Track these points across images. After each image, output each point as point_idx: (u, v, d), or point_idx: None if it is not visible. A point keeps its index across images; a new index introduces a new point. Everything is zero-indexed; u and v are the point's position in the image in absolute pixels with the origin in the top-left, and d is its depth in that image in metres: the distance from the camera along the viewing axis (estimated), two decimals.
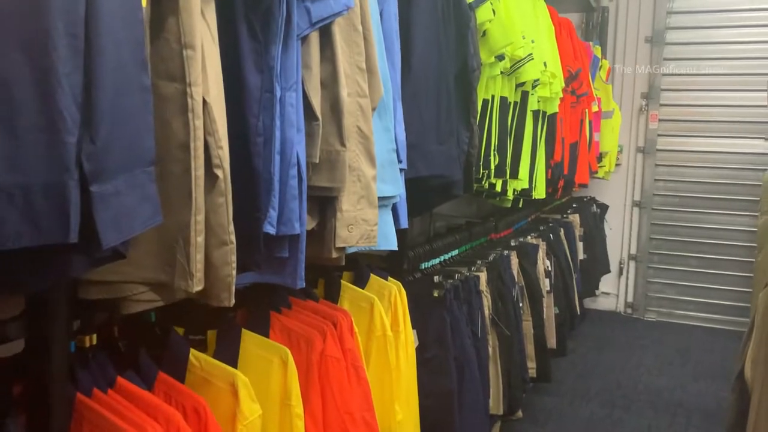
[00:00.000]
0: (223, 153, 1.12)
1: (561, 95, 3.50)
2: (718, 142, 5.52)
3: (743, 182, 5.46)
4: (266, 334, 1.65)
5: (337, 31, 1.43)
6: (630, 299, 5.82)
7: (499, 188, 2.91)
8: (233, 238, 1.16)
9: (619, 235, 5.80)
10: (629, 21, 5.74)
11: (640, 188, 5.77)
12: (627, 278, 5.83)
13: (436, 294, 2.34)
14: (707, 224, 5.58)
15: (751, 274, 5.44)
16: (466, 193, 2.37)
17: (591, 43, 4.89)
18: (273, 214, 1.29)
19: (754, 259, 5.34)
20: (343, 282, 2.03)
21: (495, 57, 2.50)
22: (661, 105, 5.69)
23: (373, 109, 1.53)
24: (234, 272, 1.18)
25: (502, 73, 2.66)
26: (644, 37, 5.69)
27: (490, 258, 2.95)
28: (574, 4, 5.32)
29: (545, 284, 3.48)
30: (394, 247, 1.69)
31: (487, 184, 2.79)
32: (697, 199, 5.60)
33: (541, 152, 3.48)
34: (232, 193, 1.20)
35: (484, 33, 2.37)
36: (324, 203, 1.47)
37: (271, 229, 1.30)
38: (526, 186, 3.21)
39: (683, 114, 5.65)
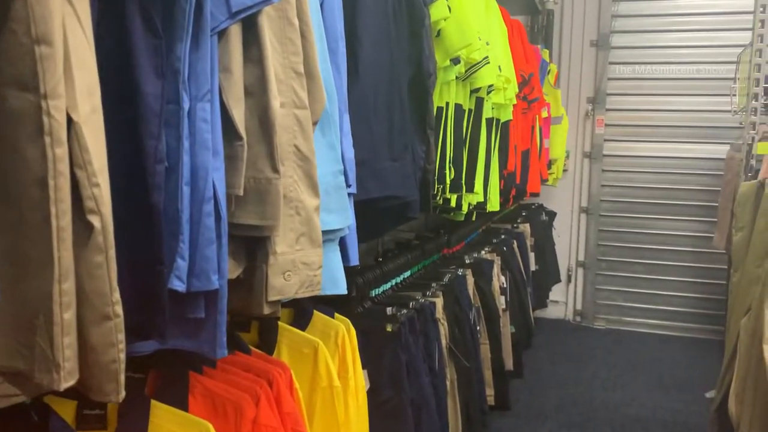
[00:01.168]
0: (100, 192, 0.77)
1: (515, 101, 3.22)
2: (663, 147, 5.36)
3: (689, 187, 5.31)
4: (184, 403, 1.29)
5: (266, 24, 1.08)
6: (579, 307, 5.61)
7: (454, 203, 2.60)
8: (119, 308, 0.81)
9: (567, 242, 5.58)
10: (574, 24, 5.53)
11: (587, 194, 5.57)
12: (575, 286, 5.62)
13: (389, 328, 2.01)
14: (654, 230, 5.40)
15: (698, 280, 5.31)
16: (423, 212, 2.05)
17: (539, 46, 4.65)
18: (182, 264, 0.95)
19: (697, 264, 5.23)
20: (280, 324, 1.68)
21: (450, 60, 2.19)
22: (608, 110, 5.50)
23: (315, 123, 1.20)
24: (122, 355, 0.83)
25: (456, 78, 2.35)
26: (590, 41, 5.49)
27: (446, 280, 2.64)
28: (519, 6, 5.07)
29: (501, 302, 3.19)
30: (343, 290, 1.36)
31: (441, 200, 2.48)
32: (644, 204, 5.42)
33: (494, 162, 3.19)
34: (125, 238, 0.86)
35: (439, 33, 2.06)
36: (253, 244, 1.12)
37: (179, 285, 0.95)
38: (482, 199, 2.91)
39: (629, 119, 5.47)
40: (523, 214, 4.71)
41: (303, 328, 1.77)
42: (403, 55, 1.77)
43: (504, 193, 3.69)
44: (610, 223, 5.53)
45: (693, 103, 5.24)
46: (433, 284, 2.57)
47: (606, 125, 5.50)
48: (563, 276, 5.49)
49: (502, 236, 3.87)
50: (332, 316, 1.84)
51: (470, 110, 2.69)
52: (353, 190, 1.42)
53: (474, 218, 3.28)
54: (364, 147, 1.64)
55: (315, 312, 1.80)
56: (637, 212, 5.44)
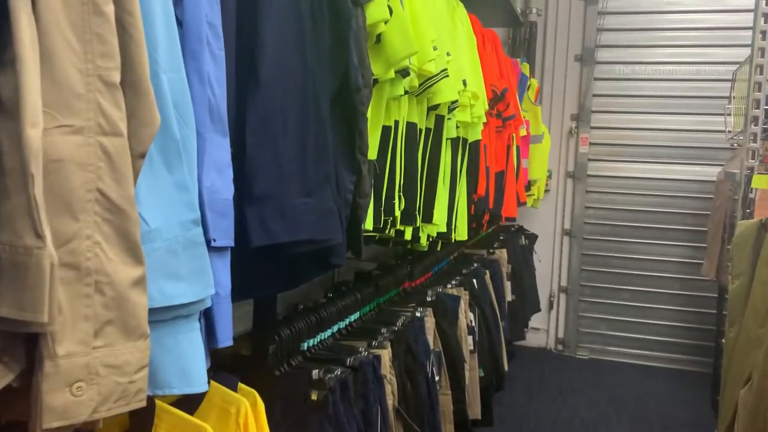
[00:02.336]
0: None
1: (485, 119, 2.84)
2: (650, 167, 5.00)
3: (676, 210, 4.94)
4: None
5: (50, 8, 0.71)
6: (561, 335, 5.22)
7: (409, 236, 2.22)
8: None
9: (549, 266, 5.20)
10: (558, 38, 5.18)
11: (570, 216, 5.20)
12: (558, 312, 5.23)
13: (314, 397, 1.62)
14: (640, 255, 5.03)
15: (686, 308, 4.94)
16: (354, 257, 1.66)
17: (519, 59, 4.28)
18: None
19: (685, 291, 4.86)
20: (158, 404, 1.29)
21: (396, 71, 1.81)
22: (592, 128, 5.14)
23: (142, 155, 0.81)
24: None
25: (407, 92, 1.97)
26: (574, 55, 5.14)
27: (399, 324, 2.26)
28: (500, 17, 4.70)
29: (468, 343, 2.80)
30: (201, 386, 0.96)
31: (392, 232, 2.10)
32: (630, 228, 5.05)
33: (461, 187, 2.81)
34: None
35: (379, 38, 1.68)
36: (30, 341, 0.74)
37: None
38: (444, 229, 2.53)
39: (615, 137, 5.11)
40: (501, 237, 4.32)
41: (195, 405, 1.38)
42: (323, 64, 1.38)
43: (476, 218, 3.32)
44: (594, 246, 5.16)
45: (681, 123, 4.88)
46: (383, 330, 2.18)
47: (590, 144, 5.14)
48: (544, 302, 5.11)
49: (474, 265, 3.49)
50: (235, 387, 1.45)
51: (428, 130, 2.31)
52: (225, 242, 1.04)
53: (440, 247, 2.90)
54: (267, 178, 1.26)
55: (212, 383, 1.41)
56: (623, 236, 5.07)
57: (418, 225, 2.18)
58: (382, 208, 1.96)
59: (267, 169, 1.26)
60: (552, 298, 5.20)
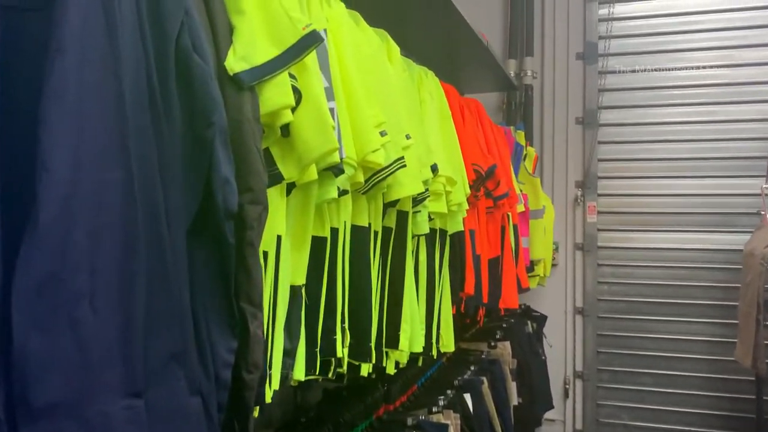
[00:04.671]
0: None
1: (466, 206, 2.33)
2: (667, 237, 4.44)
3: (700, 283, 4.36)
4: None
5: None
6: (579, 426, 4.59)
7: (365, 371, 1.69)
8: None
9: (562, 349, 4.61)
10: (557, 100, 4.71)
11: (582, 293, 4.63)
12: (574, 401, 4.61)
13: None
14: (662, 334, 4.43)
15: (718, 394, 4.31)
16: None
17: (512, 128, 3.81)
18: None
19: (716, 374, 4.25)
20: None
21: (321, 169, 1.32)
22: (599, 195, 4.61)
23: None
24: None
25: (344, 192, 1.47)
26: (575, 118, 4.66)
27: None
28: (491, 82, 4.25)
29: None
30: None
31: (333, 375, 1.57)
32: (648, 304, 4.47)
33: (443, 288, 2.29)
34: None
35: (285, 131, 1.19)
36: None
37: None
38: (418, 349, 2.00)
39: (625, 205, 4.58)
40: (504, 326, 3.76)
41: None
42: (172, 179, 0.89)
43: (468, 316, 2.79)
44: (610, 326, 4.57)
45: (698, 186, 4.36)
46: None
47: (599, 212, 4.61)
48: (558, 391, 4.50)
49: (471, 368, 2.93)
50: None
51: (387, 230, 1.81)
52: None
53: (420, 362, 2.36)
54: (55, 378, 0.76)
55: None
56: (641, 313, 4.49)
57: (372, 362, 1.65)
58: (318, 349, 1.44)
59: (54, 363, 0.76)
60: (567, 386, 4.60)
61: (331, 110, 1.35)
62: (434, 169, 1.98)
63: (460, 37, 3.11)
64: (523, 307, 4.28)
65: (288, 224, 1.34)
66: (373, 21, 1.96)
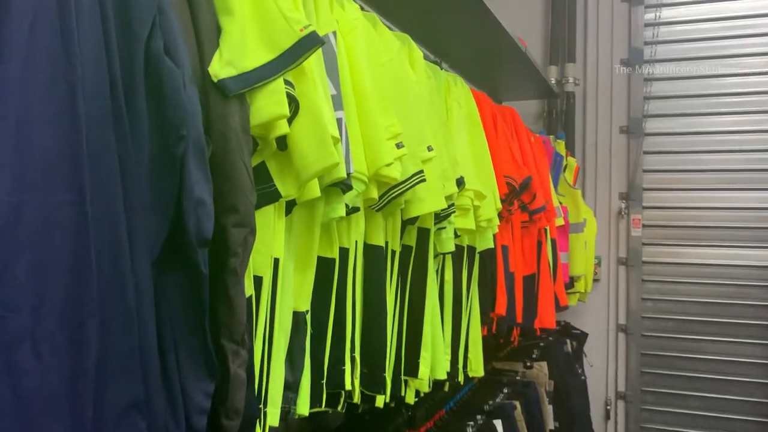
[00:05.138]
0: None
1: (497, 221, 2.19)
2: (717, 252, 4.19)
3: (752, 302, 4.10)
4: None
5: None
6: None
7: (380, 403, 1.56)
8: None
9: (603, 369, 4.39)
10: (600, 108, 4.50)
11: (626, 309, 4.40)
12: (616, 423, 4.39)
13: None
14: (710, 354, 4.18)
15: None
16: None
17: (551, 137, 3.64)
18: None
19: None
20: None
21: (327, 185, 1.20)
22: (645, 207, 4.39)
23: None
24: None
25: (352, 211, 1.34)
26: (619, 127, 4.44)
27: None
28: (531, 89, 4.09)
29: None
30: None
31: (343, 407, 1.45)
32: (696, 323, 4.22)
33: (471, 309, 2.15)
34: None
35: (283, 144, 1.07)
36: None
37: None
38: (442, 376, 1.86)
39: (672, 218, 4.34)
40: (541, 345, 3.58)
41: None
42: (138, 200, 0.78)
43: (500, 336, 2.64)
44: (655, 345, 4.33)
45: (752, 200, 4.11)
46: None
47: (644, 226, 4.39)
48: (599, 414, 4.29)
49: (504, 391, 2.77)
50: None
51: (407, 249, 1.68)
52: None
53: (447, 388, 2.21)
54: None
55: None
56: (689, 332, 4.24)
57: (386, 393, 1.51)
58: (324, 381, 1.32)
59: None
60: (608, 407, 4.38)
61: (339, 120, 1.23)
62: (460, 182, 1.85)
63: (498, 44, 2.97)
64: (562, 324, 4.10)
65: (290, 245, 1.22)
66: (406, 28, 1.85)
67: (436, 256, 1.87)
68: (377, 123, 1.34)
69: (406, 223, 1.62)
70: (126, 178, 0.78)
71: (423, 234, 1.70)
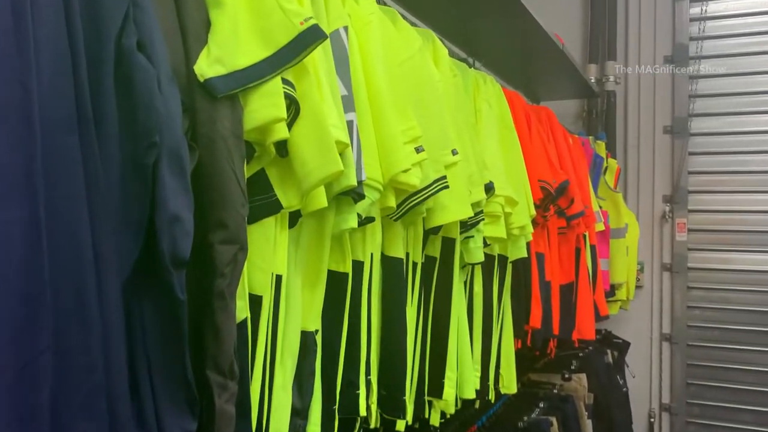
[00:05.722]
0: None
1: (530, 229, 2.05)
2: (767, 258, 3.99)
3: None
4: None
5: None
6: None
7: (401, 427, 1.44)
8: None
9: (647, 379, 4.20)
10: (642, 108, 4.31)
11: (670, 318, 4.21)
12: None
13: None
14: (759, 366, 3.96)
15: None
16: None
17: (590, 138, 3.48)
18: None
19: None
20: None
21: (336, 194, 1.09)
22: (690, 211, 4.19)
23: None
24: None
25: (368, 220, 1.23)
26: (663, 127, 4.25)
27: None
28: (570, 88, 3.93)
29: None
30: None
31: (374, 422, 1.34)
32: (746, 332, 4.00)
33: (504, 322, 2.02)
34: None
35: (284, 150, 0.97)
36: None
37: None
38: (470, 395, 1.74)
39: (720, 222, 4.13)
40: (580, 355, 3.43)
41: None
42: (109, 214, 0.69)
43: (538, 348, 2.51)
44: (701, 355, 4.12)
45: None
46: None
47: (689, 230, 4.19)
48: (643, 425, 4.11)
49: (540, 405, 2.64)
50: None
51: (430, 260, 1.56)
52: None
53: (477, 405, 2.09)
54: None
55: None
56: (737, 342, 4.03)
57: (407, 418, 1.40)
58: (336, 406, 1.21)
59: None
60: (651, 419, 4.19)
61: (350, 123, 1.13)
62: (490, 188, 1.73)
63: (535, 41, 2.84)
64: (602, 333, 3.93)
65: (296, 259, 1.12)
66: (436, 26, 1.74)
67: (463, 266, 1.75)
68: (393, 126, 1.23)
69: (429, 232, 1.51)
70: (92, 191, 0.68)
71: (448, 244, 1.58)
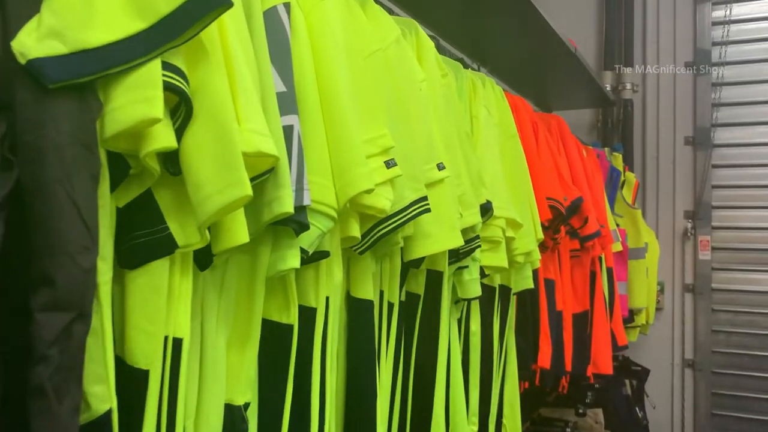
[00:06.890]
0: None
1: (538, 255, 1.75)
2: None
3: None
4: None
5: None
6: None
7: None
8: None
9: (668, 410, 3.87)
10: (662, 117, 4.01)
11: (693, 342, 3.88)
12: None
13: None
14: None
15: None
16: None
17: (606, 149, 3.17)
18: None
19: None
20: None
21: (265, 223, 0.80)
22: (714, 228, 3.87)
23: None
24: None
25: (319, 256, 0.94)
26: (684, 138, 3.94)
27: None
28: (584, 97, 3.62)
29: None
30: None
31: None
32: None
33: (508, 363, 1.72)
34: None
35: (175, 165, 0.68)
36: None
37: None
38: None
39: (745, 240, 3.81)
40: (596, 386, 3.09)
41: None
42: None
43: (547, 385, 2.20)
44: (728, 383, 3.79)
45: None
46: None
47: (713, 249, 3.87)
48: None
49: None
50: None
51: (413, 299, 1.26)
52: None
53: None
54: None
55: None
56: (766, 370, 3.70)
57: None
58: None
59: None
60: None
61: (288, 129, 0.83)
62: (487, 209, 1.43)
63: (546, 46, 2.55)
64: (620, 359, 3.60)
65: (218, 311, 0.83)
66: (440, 29, 1.47)
67: (457, 302, 1.45)
68: (353, 134, 0.93)
69: (409, 265, 1.21)
70: None
71: (434, 278, 1.28)
